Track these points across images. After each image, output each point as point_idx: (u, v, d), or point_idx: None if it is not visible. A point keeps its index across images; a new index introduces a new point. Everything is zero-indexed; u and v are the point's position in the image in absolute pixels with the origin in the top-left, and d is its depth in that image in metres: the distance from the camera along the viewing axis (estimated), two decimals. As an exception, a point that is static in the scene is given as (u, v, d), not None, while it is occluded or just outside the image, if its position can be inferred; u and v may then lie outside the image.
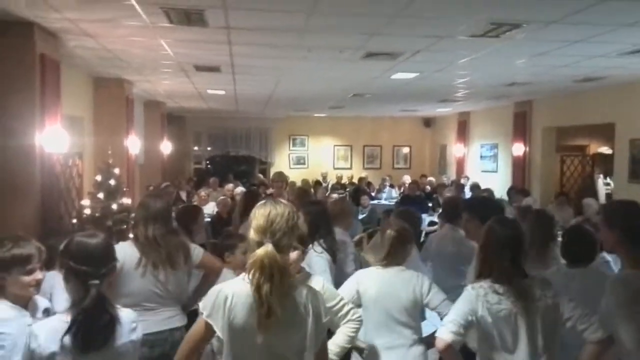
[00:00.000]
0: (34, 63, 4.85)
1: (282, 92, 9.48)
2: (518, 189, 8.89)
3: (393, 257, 3.11)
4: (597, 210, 6.79)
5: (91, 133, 7.72)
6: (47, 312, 2.58)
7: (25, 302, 2.42)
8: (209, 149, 15.26)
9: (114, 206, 6.29)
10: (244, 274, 1.95)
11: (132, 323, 2.19)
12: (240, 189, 10.31)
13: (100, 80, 7.89)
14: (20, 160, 4.83)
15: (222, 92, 9.72)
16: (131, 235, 3.59)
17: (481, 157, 12.81)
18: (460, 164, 13.61)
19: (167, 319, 3.17)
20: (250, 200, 5.43)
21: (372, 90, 9.13)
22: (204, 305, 1.98)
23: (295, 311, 1.93)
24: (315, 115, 14.55)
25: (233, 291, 1.93)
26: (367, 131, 15.40)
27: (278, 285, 1.85)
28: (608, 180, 11.00)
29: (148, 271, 3.08)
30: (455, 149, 13.80)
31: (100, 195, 6.23)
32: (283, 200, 2.08)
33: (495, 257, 2.52)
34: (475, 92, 9.39)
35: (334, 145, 15.50)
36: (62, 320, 2.03)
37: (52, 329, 2.01)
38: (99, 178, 6.37)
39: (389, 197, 12.09)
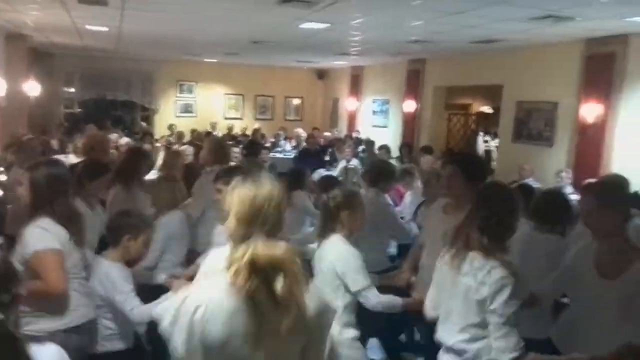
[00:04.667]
0: None
1: (179, 33, 8.59)
2: (424, 147, 9.09)
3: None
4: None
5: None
6: None
7: None
8: (81, 92, 13.67)
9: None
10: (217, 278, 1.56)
11: None
12: (126, 140, 9.41)
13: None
14: None
15: (104, 29, 8.58)
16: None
17: (373, 112, 12.96)
18: (352, 119, 13.70)
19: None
20: (134, 162, 4.36)
21: (276, 38, 8.64)
22: (163, 311, 1.58)
23: (298, 317, 1.55)
24: (206, 60, 13.63)
25: (207, 300, 1.53)
26: (258, 80, 14.77)
27: (288, 286, 1.51)
28: (487, 138, 11.85)
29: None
30: (348, 103, 13.83)
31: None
32: (267, 176, 1.69)
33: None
34: (372, 47, 9.27)
35: (225, 94, 14.71)
36: None
37: None
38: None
39: (283, 150, 11.85)
